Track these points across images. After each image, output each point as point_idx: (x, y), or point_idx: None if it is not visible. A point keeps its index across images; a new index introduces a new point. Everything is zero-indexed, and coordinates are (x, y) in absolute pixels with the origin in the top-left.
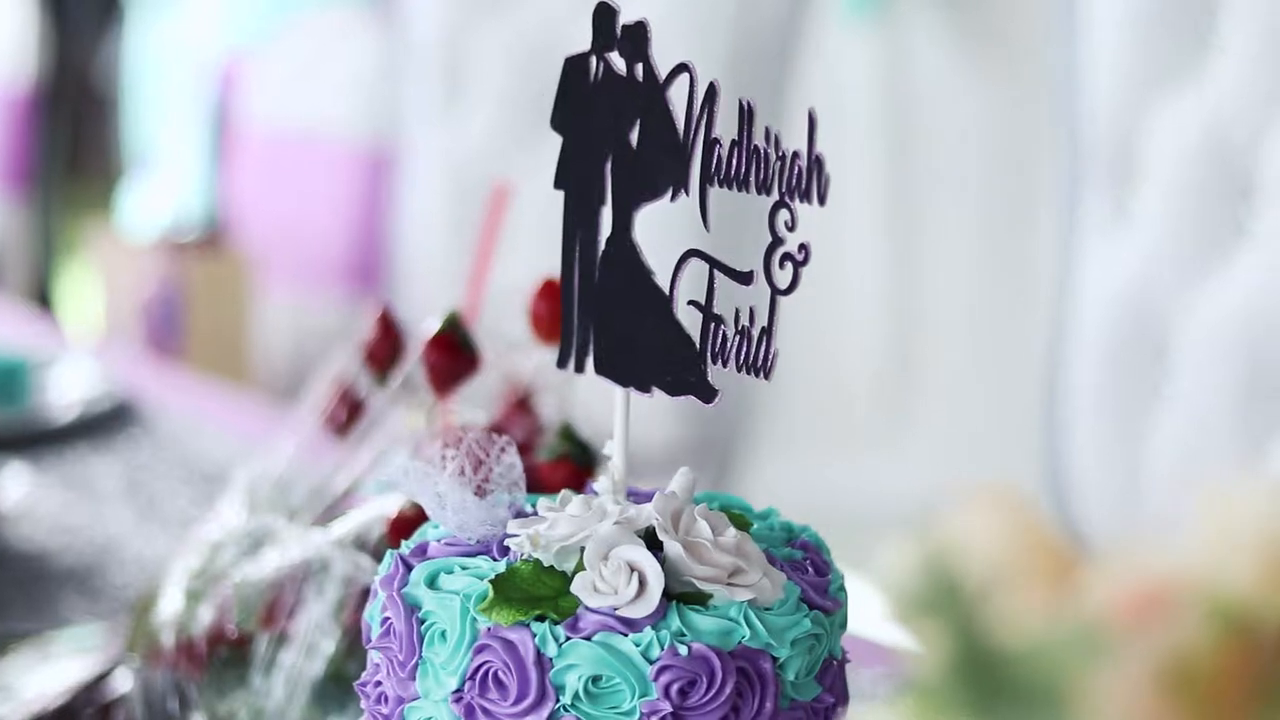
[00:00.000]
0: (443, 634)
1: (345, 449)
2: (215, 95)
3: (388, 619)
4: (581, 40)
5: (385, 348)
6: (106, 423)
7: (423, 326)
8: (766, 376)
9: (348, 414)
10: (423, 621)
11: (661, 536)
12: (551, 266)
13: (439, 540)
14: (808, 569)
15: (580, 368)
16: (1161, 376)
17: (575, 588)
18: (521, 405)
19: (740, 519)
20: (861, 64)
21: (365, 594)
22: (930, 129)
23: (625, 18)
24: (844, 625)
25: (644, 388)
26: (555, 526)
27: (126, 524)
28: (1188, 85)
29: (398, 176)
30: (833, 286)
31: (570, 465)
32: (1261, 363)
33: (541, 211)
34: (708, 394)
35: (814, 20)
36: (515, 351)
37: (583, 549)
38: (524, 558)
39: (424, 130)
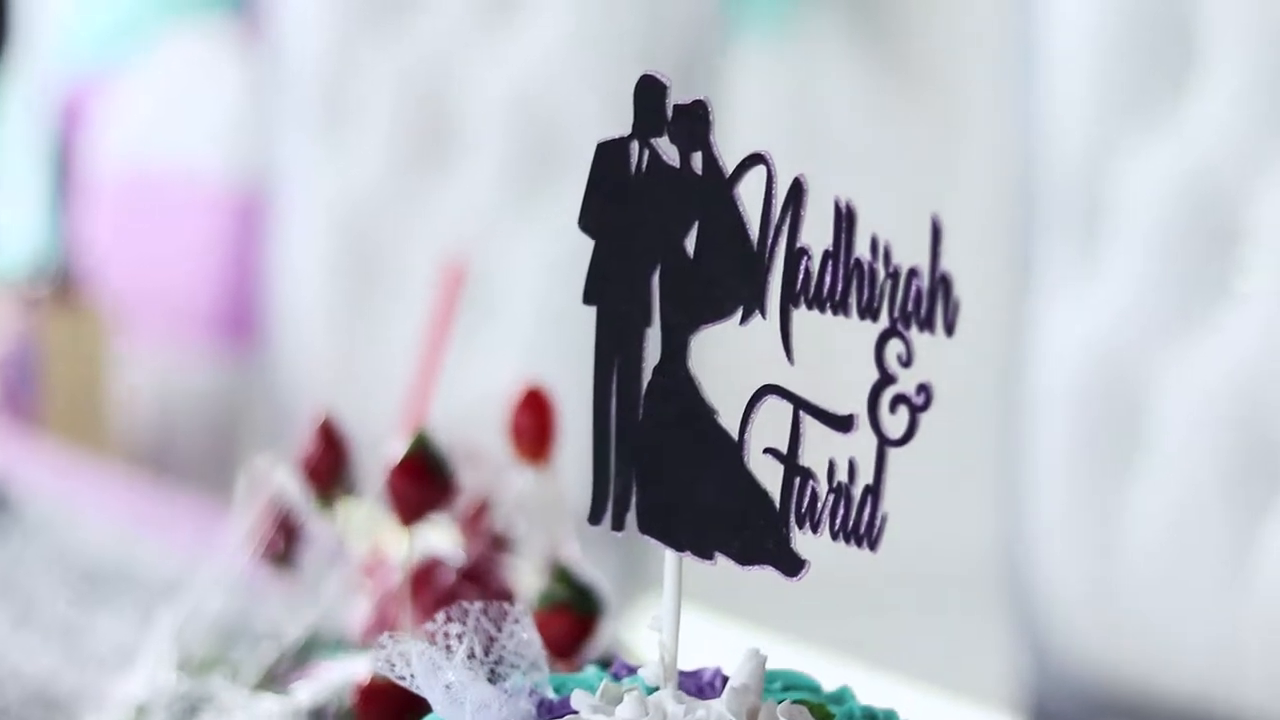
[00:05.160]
0: None
1: (290, 586)
2: (57, 129)
3: None
4: (478, 70)
5: (327, 463)
6: None
7: (387, 448)
8: (873, 547)
9: (286, 541)
10: None
11: None
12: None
13: None
14: None
15: (619, 525)
16: (1137, 452)
17: None
18: (498, 541)
19: (820, 710)
20: (773, 95)
21: None
22: (846, 167)
23: (531, 47)
24: None
25: (704, 554)
26: None
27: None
28: (1165, 123)
29: (272, 221)
30: (740, 337)
31: (570, 615)
32: (1251, 437)
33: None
34: (792, 566)
35: (723, 51)
36: (490, 473)
37: None
38: None
39: (301, 170)
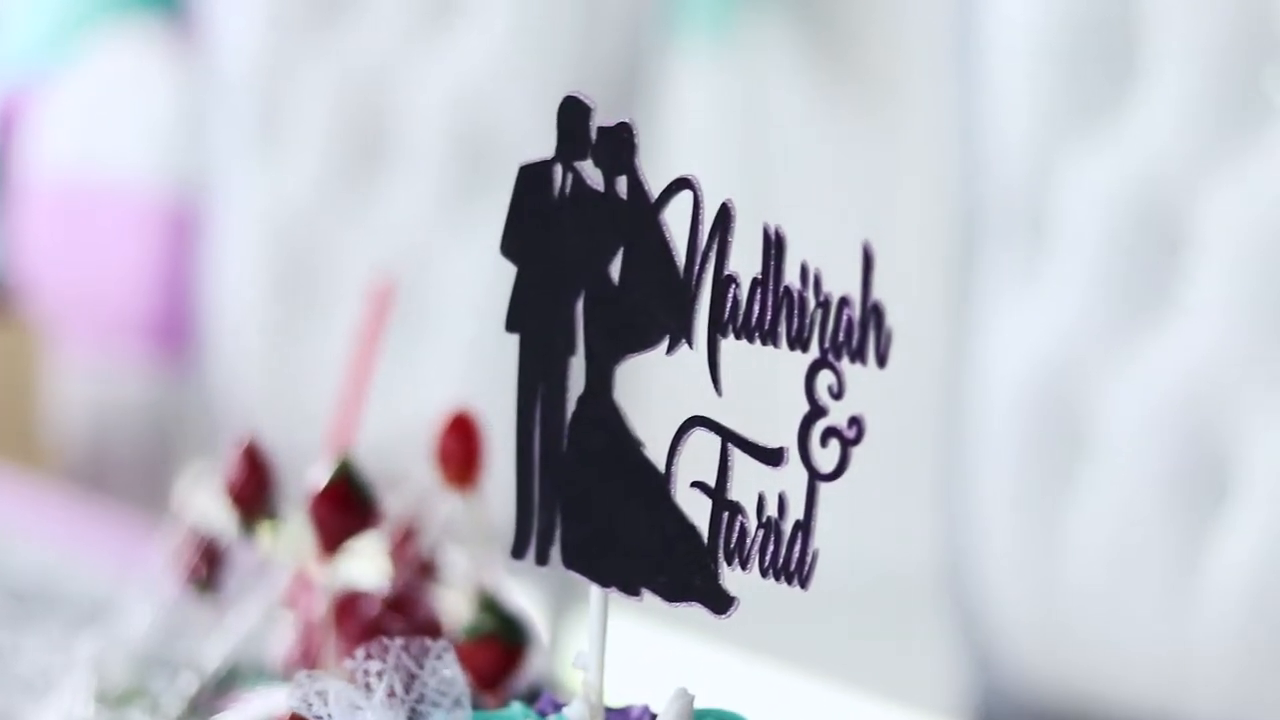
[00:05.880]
0: None
1: (213, 613)
2: None
3: None
4: (415, 80)
5: (251, 486)
6: None
7: (310, 474)
8: (804, 585)
9: (209, 566)
10: None
11: None
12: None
13: None
14: None
15: (543, 559)
16: (1082, 462)
17: None
18: (425, 569)
19: None
20: (714, 103)
21: None
22: (787, 174)
23: (469, 57)
24: None
25: (630, 590)
26: None
27: None
28: (1109, 130)
29: (207, 232)
30: (668, 368)
31: (497, 645)
32: (1197, 447)
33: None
34: (720, 603)
35: (663, 58)
36: (416, 499)
37: None
38: None
39: (236, 180)
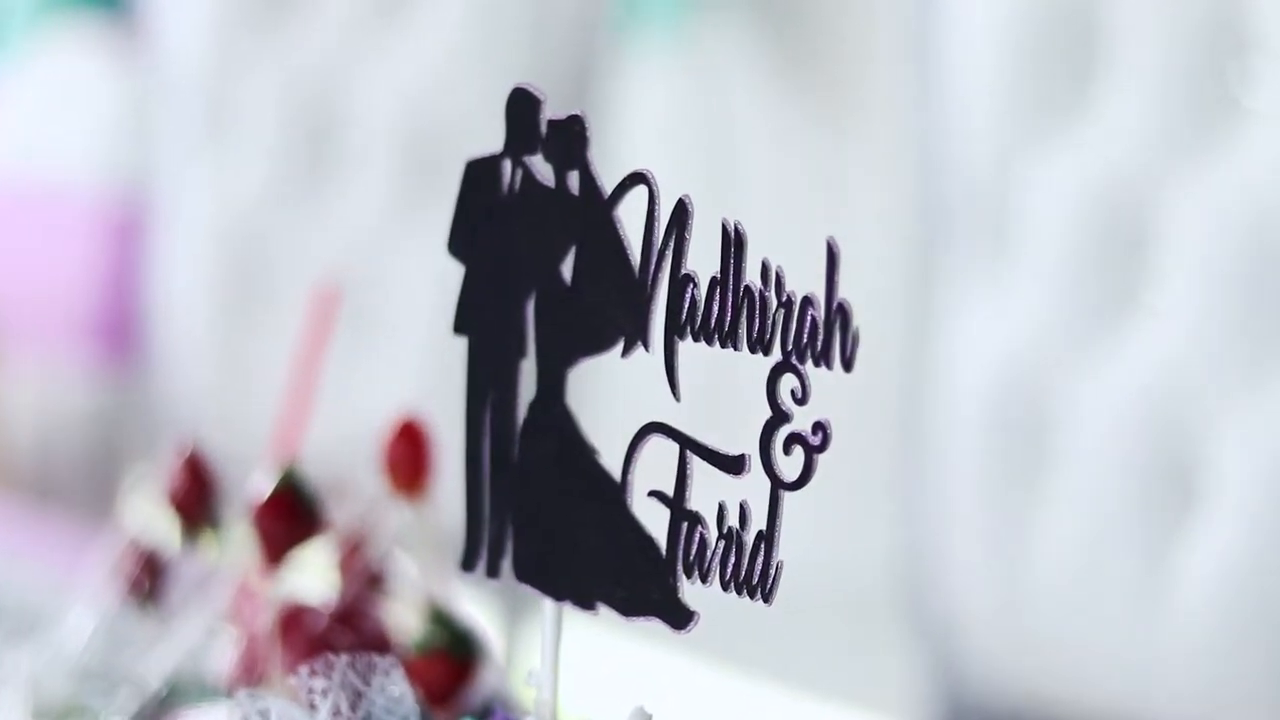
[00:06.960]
0: None
1: (154, 624)
2: None
3: None
4: (365, 81)
5: (194, 495)
6: None
7: (254, 483)
8: (766, 600)
9: (151, 577)
10: None
11: None
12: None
13: None
14: None
15: (494, 572)
16: (1047, 467)
17: None
18: (374, 580)
19: None
20: (669, 101)
21: None
22: (750, 177)
23: (419, 58)
24: None
25: (585, 604)
26: None
27: None
28: (1075, 127)
29: (153, 236)
30: (629, 363)
31: (448, 660)
32: (1163, 451)
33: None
34: (679, 618)
35: (616, 57)
36: (364, 508)
37: None
38: None
39: (183, 181)
